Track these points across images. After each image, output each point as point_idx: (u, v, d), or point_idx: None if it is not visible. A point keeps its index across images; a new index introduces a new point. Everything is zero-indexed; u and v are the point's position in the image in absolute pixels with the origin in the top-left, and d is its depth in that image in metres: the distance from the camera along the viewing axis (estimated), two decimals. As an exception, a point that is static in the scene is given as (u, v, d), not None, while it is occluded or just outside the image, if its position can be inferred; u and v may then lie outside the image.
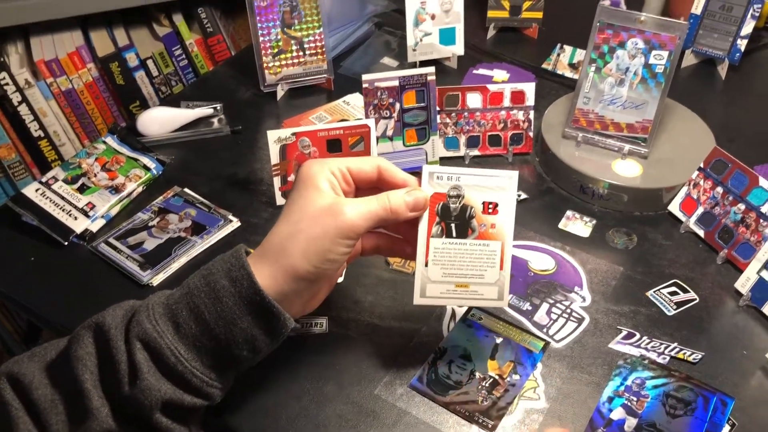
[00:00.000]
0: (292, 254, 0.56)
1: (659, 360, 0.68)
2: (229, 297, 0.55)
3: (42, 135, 1.27)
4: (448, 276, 0.62)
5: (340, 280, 0.75)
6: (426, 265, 0.62)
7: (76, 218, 0.80)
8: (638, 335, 0.71)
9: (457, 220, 0.62)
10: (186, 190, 0.86)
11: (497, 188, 0.62)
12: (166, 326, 0.55)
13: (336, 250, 0.57)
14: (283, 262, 0.56)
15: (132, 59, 1.30)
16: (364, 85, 0.84)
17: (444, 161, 0.91)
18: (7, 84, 1.19)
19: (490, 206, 0.62)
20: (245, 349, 0.56)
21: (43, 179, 0.84)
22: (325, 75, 1.03)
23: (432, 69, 0.85)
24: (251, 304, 0.55)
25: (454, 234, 0.62)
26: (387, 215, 0.59)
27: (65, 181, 0.84)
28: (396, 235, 0.66)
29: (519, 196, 0.84)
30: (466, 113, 0.90)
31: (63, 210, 0.81)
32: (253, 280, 0.55)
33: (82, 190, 0.83)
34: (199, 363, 0.55)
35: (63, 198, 0.82)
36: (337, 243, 0.57)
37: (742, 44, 1.05)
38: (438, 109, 0.88)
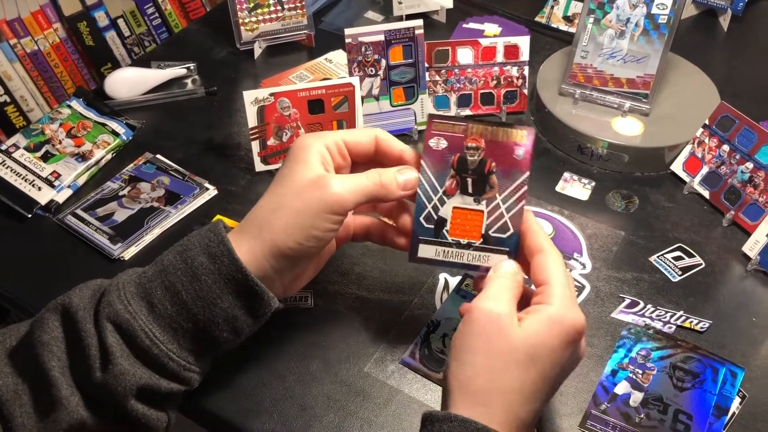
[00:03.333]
0: (274, 229, 0.53)
1: (665, 329, 0.65)
2: (207, 275, 0.52)
3: (8, 100, 1.21)
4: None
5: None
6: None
7: (40, 189, 0.76)
8: (642, 303, 0.68)
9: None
10: (158, 156, 0.81)
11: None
12: (140, 307, 0.52)
13: (320, 226, 0.54)
14: (264, 237, 0.53)
15: (101, 18, 1.23)
16: (347, 40, 0.79)
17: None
18: (-34, 46, 1.12)
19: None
20: (225, 331, 0.54)
21: (3, 147, 0.79)
22: (305, 31, 0.98)
23: (420, 22, 0.80)
24: (232, 283, 0.53)
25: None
26: (377, 190, 0.56)
27: (27, 148, 0.79)
28: (389, 221, 0.62)
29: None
30: (456, 70, 0.85)
31: (26, 180, 0.76)
32: (234, 257, 0.53)
33: (45, 158, 0.78)
34: (176, 346, 0.53)
35: (25, 167, 0.77)
36: (322, 218, 0.54)
37: (745, -7, 1.00)
38: (427, 65, 0.83)
